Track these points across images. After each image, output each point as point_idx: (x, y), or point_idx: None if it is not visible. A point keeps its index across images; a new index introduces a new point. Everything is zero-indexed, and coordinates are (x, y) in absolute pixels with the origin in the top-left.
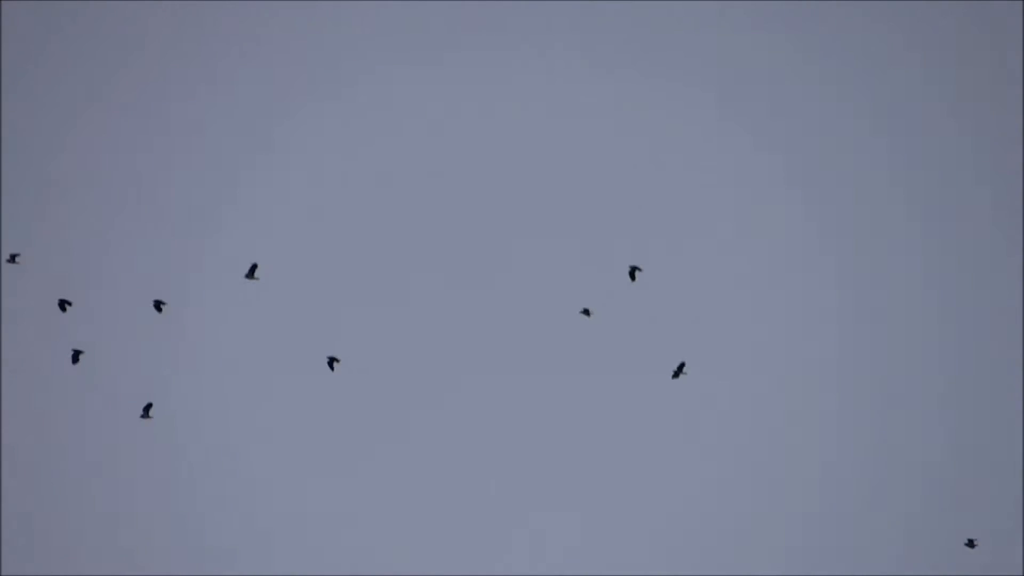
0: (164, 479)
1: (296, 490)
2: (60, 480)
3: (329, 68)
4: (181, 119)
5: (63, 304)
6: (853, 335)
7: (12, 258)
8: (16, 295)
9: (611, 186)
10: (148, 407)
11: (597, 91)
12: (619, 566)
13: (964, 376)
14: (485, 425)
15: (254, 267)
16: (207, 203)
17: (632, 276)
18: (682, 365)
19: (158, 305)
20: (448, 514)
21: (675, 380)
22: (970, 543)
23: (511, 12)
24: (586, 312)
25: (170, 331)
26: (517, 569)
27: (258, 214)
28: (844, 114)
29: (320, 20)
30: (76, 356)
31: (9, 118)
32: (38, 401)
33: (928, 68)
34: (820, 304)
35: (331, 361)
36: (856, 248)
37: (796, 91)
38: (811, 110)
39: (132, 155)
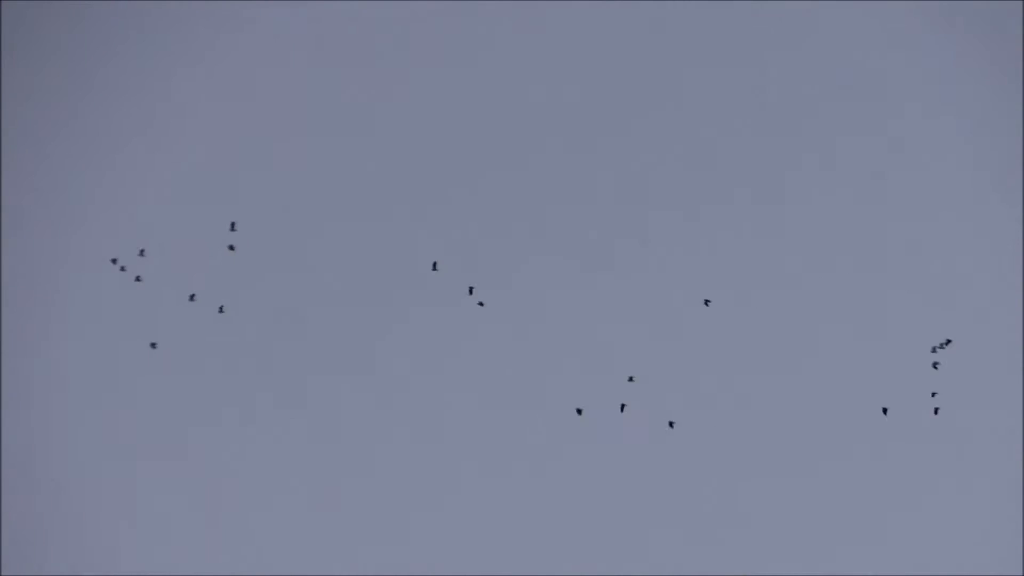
0: (162, 478)
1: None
2: (59, 480)
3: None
4: (183, 125)
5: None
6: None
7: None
8: (14, 295)
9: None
10: None
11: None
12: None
13: (964, 376)
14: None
15: None
16: (202, 206)
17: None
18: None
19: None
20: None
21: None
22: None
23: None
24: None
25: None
26: (523, 570)
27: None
28: (843, 113)
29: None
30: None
31: (9, 118)
32: (38, 400)
33: (929, 69)
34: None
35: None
36: (858, 252)
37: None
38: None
39: (133, 158)
